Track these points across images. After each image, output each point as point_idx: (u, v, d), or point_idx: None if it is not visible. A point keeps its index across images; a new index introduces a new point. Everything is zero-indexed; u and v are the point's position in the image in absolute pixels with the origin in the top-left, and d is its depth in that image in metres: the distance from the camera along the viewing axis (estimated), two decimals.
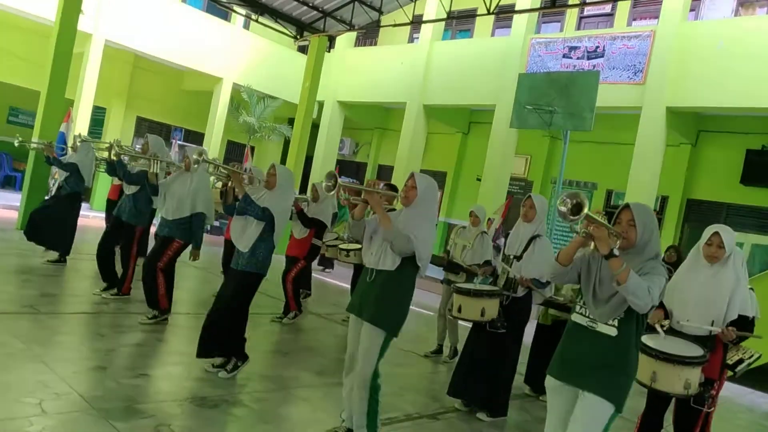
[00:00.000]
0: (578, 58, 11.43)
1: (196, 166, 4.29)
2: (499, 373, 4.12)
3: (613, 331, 2.54)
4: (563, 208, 2.42)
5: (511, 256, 4.22)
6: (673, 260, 6.58)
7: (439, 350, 5.95)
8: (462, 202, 14.92)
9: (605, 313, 2.55)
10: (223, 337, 4.08)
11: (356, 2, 12.16)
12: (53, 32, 9.31)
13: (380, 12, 12.16)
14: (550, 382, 2.72)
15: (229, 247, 6.99)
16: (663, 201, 11.46)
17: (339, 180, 3.24)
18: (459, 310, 3.98)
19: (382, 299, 3.28)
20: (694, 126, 11.25)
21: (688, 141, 11.26)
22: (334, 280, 9.34)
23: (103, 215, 10.03)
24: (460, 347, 5.66)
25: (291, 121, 16.49)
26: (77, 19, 9.38)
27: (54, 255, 7.03)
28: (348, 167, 18.13)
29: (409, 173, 3.48)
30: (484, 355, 4.14)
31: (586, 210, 2.35)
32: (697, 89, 9.82)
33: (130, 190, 5.76)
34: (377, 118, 17.25)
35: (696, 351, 3.17)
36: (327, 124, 15.98)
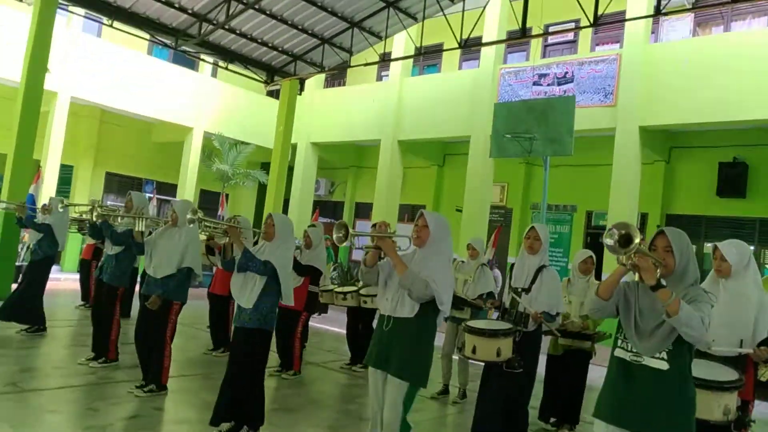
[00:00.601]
0: (548, 85, 11.65)
1: (190, 225, 4.08)
2: (517, 411, 3.94)
3: (663, 365, 2.39)
4: (610, 241, 2.30)
5: (519, 289, 4.09)
6: None
7: (445, 390, 5.72)
8: None
9: (652, 347, 2.40)
10: (239, 404, 3.81)
11: (326, 44, 12.22)
12: (19, 93, 9.05)
13: (350, 52, 12.23)
14: (600, 428, 2.52)
15: (215, 303, 6.72)
16: (643, 218, 11.58)
17: (351, 230, 3.07)
18: (473, 351, 3.80)
19: (404, 350, 3.11)
20: (666, 143, 11.50)
21: (661, 158, 11.49)
22: (327, 326, 9.06)
23: (76, 277, 9.63)
24: (469, 386, 5.49)
25: (264, 166, 16.34)
26: (44, 78, 9.15)
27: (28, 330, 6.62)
28: (325, 207, 17.96)
29: (418, 213, 3.36)
30: (502, 394, 3.96)
31: (637, 240, 2.24)
32: (666, 107, 10.08)
33: (113, 250, 5.47)
34: (351, 156, 17.23)
35: (731, 375, 3.06)
36: (302, 166, 15.88)
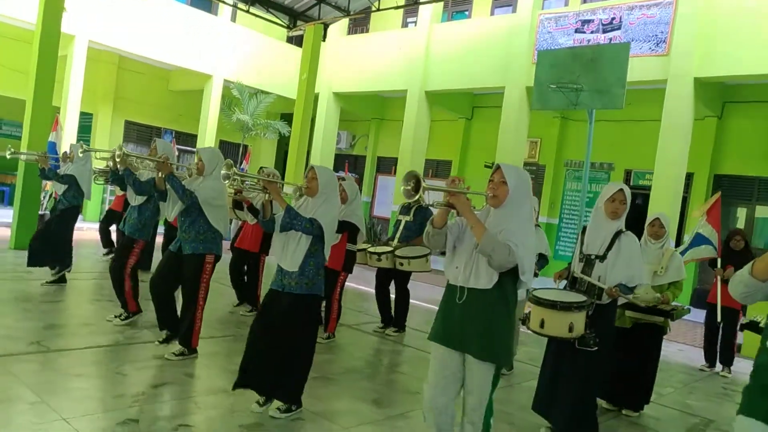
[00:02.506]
0: (592, 32, 10.86)
1: (226, 182, 3.66)
2: (587, 394, 3.53)
3: None
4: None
5: (593, 257, 3.61)
6: (741, 247, 6.03)
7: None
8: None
9: None
10: (282, 380, 3.48)
11: None
12: (35, 35, 8.56)
13: None
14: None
15: (238, 257, 6.39)
16: (689, 178, 10.94)
17: (424, 182, 2.60)
18: (541, 325, 3.37)
19: (483, 327, 2.70)
20: (719, 97, 10.75)
21: (713, 113, 10.75)
22: (353, 284, 8.73)
23: (97, 226, 9.35)
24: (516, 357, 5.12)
25: (284, 117, 15.81)
26: (60, 20, 8.63)
27: (52, 275, 6.38)
28: (346, 161, 17.47)
29: (495, 166, 2.89)
30: (569, 372, 3.53)
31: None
32: (725, 58, 9.30)
33: (136, 200, 5.11)
34: (374, 108, 16.60)
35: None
36: (323, 117, 15.31)
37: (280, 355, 3.46)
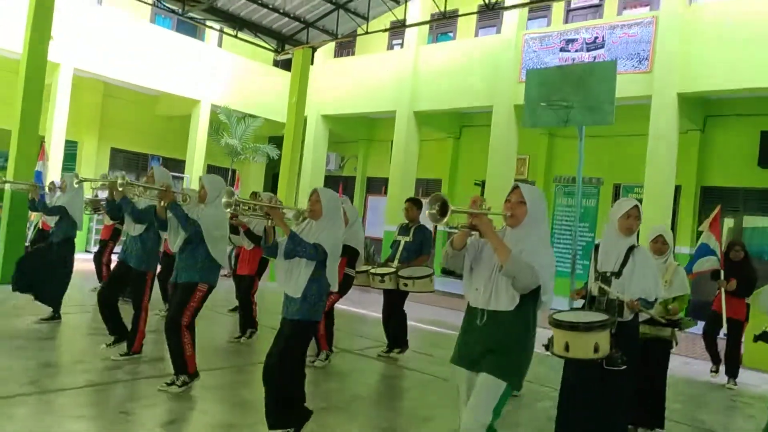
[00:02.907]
0: (577, 51, 11.03)
1: (228, 210, 3.58)
2: (618, 416, 3.46)
3: None
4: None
5: (608, 274, 3.58)
6: (740, 257, 6.08)
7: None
8: None
9: None
10: (280, 402, 3.40)
11: (340, 9, 11.54)
12: (21, 63, 8.45)
13: (366, 19, 11.56)
14: None
15: (243, 284, 6.29)
16: (677, 190, 11.08)
17: (451, 205, 2.53)
18: (566, 349, 3.31)
19: (502, 347, 2.65)
20: (701, 111, 10.95)
21: (696, 127, 10.94)
22: (350, 307, 8.64)
23: (86, 257, 9.18)
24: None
25: (272, 140, 15.77)
26: (47, 48, 8.54)
27: (45, 311, 6.20)
28: (335, 182, 17.44)
29: (513, 185, 2.86)
30: (597, 396, 3.42)
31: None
32: (706, 73, 9.49)
33: (135, 230, 4.98)
34: (362, 129, 16.64)
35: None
36: (312, 140, 15.29)
37: (277, 380, 3.38)
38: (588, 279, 3.74)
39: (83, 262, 10.26)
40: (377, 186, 16.67)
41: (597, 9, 12.88)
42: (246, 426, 3.74)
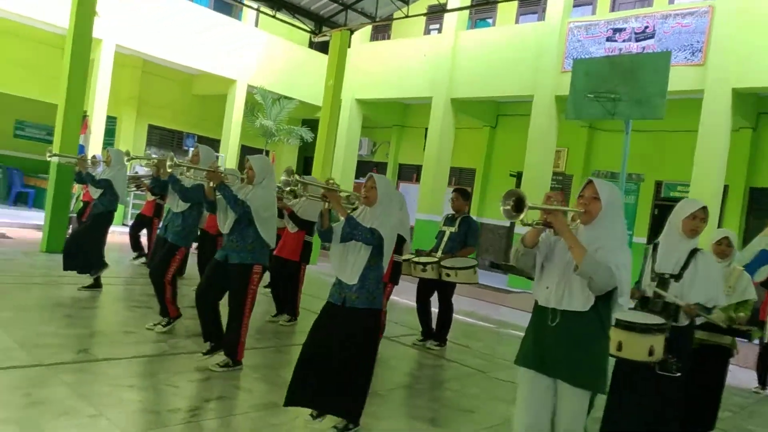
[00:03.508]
0: (624, 41, 10.72)
1: (287, 189, 3.51)
2: (664, 422, 3.34)
3: None
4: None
5: (667, 276, 3.44)
6: None
7: None
8: (495, 200, 14.16)
9: None
10: (342, 397, 3.35)
11: None
12: (67, 39, 8.53)
13: (406, 2, 11.40)
14: None
15: (277, 266, 6.28)
16: (724, 190, 10.75)
17: (528, 202, 2.41)
18: (618, 348, 3.20)
19: (577, 350, 2.55)
20: (754, 108, 10.56)
21: (749, 125, 10.56)
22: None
23: (126, 230, 9.30)
24: None
25: (306, 122, 15.76)
26: (92, 24, 8.60)
27: (87, 280, 6.30)
28: (366, 168, 17.39)
29: (586, 181, 2.73)
30: (646, 399, 3.30)
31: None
32: (764, 68, 9.11)
33: (179, 207, 5.00)
34: (395, 115, 16.52)
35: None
36: (346, 124, 15.22)
37: (340, 371, 3.33)
38: (641, 279, 3.60)
39: (120, 235, 10.44)
40: (409, 173, 16.57)
41: None
42: (291, 408, 3.72)
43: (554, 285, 2.62)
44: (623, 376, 3.45)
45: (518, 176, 13.90)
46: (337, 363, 3.30)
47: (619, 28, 10.82)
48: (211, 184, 4.23)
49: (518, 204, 2.41)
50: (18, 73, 12.35)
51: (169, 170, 4.52)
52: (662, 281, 3.43)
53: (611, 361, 3.53)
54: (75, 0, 8.48)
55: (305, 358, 3.40)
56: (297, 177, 3.55)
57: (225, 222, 4.24)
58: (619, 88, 8.18)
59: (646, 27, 10.49)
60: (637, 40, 10.56)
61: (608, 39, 10.95)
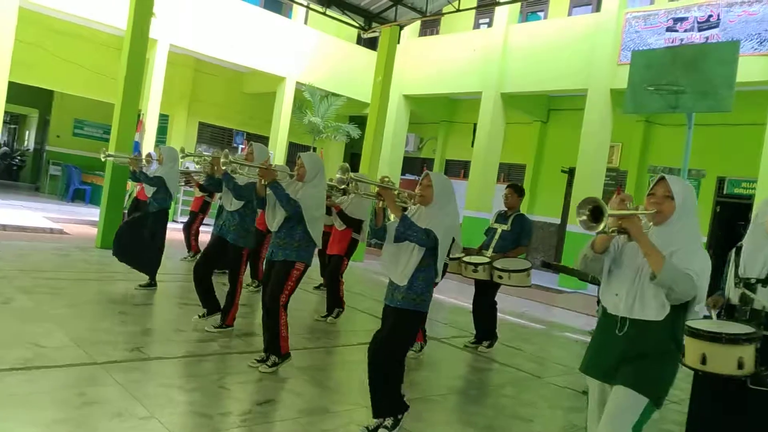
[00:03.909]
0: (686, 31, 10.18)
1: (344, 186, 3.41)
2: None
3: None
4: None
5: (753, 281, 3.17)
6: None
7: None
8: (546, 197, 13.83)
9: None
10: (379, 392, 3.28)
11: None
12: (125, 40, 8.73)
13: None
14: None
15: (328, 262, 6.25)
16: None
17: (609, 209, 2.19)
18: (702, 361, 2.95)
19: (645, 358, 2.35)
20: None
21: None
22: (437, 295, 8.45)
23: (178, 227, 9.49)
24: None
25: (352, 119, 15.74)
26: (149, 25, 8.78)
27: (141, 278, 6.41)
28: (413, 164, 17.26)
29: (657, 177, 2.52)
30: (736, 417, 3.03)
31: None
32: None
33: (233, 206, 5.00)
34: (443, 110, 16.31)
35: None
36: (393, 120, 15.08)
37: (378, 370, 3.25)
38: (725, 285, 3.33)
39: (172, 232, 10.67)
40: (456, 169, 16.33)
41: None
42: (341, 412, 3.65)
43: (624, 292, 2.42)
44: (707, 391, 3.18)
45: (569, 172, 13.48)
46: (378, 359, 3.23)
47: (681, 18, 10.29)
48: (263, 181, 4.18)
49: (595, 213, 2.22)
50: (77, 73, 12.81)
51: (223, 168, 4.51)
52: (747, 286, 3.15)
53: (685, 373, 3.29)
54: (133, 2, 8.67)
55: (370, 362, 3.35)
56: (352, 175, 3.43)
57: (274, 220, 4.18)
58: (682, 80, 7.73)
59: (710, 16, 9.93)
60: (700, 30, 10.01)
61: (668, 29, 10.42)
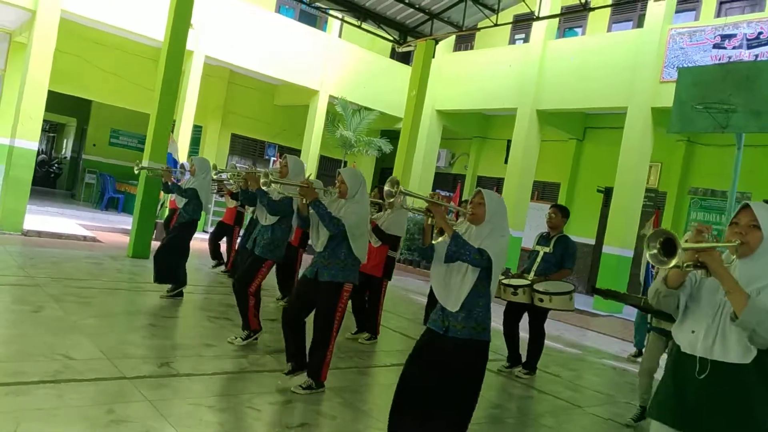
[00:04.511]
0: (735, 48, 9.82)
1: (392, 200, 3.23)
2: None
3: None
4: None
5: None
6: None
7: (642, 414, 4.68)
8: (581, 216, 13.46)
9: None
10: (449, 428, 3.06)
11: (469, 0, 11.08)
12: (162, 52, 8.80)
13: (495, 10, 11.02)
14: None
15: (365, 283, 6.05)
16: None
17: (681, 244, 1.97)
18: None
19: (734, 412, 2.09)
20: None
21: None
22: None
23: (206, 237, 9.43)
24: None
25: (384, 133, 15.65)
26: (186, 37, 8.83)
27: (167, 291, 6.32)
28: (444, 180, 17.07)
29: (741, 204, 2.27)
30: None
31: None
32: None
33: (267, 220, 4.88)
34: (475, 126, 16.10)
35: None
36: (425, 135, 14.92)
37: (439, 403, 3.02)
38: None
39: (200, 242, 10.66)
40: (488, 186, 15.99)
41: (757, 1, 11.46)
42: None
43: (702, 330, 2.17)
44: None
45: (605, 192, 13.12)
46: (437, 398, 3.00)
47: (729, 35, 9.94)
48: (305, 201, 4.03)
49: (668, 246, 2.01)
50: (114, 83, 13.00)
51: (264, 188, 4.39)
52: None
53: None
54: (172, 13, 8.74)
55: (402, 389, 3.12)
56: (402, 188, 3.23)
57: (318, 239, 4.03)
58: (734, 98, 7.42)
59: (760, 33, 9.57)
60: (749, 47, 9.65)
61: (715, 46, 10.08)
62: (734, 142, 10.12)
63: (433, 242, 3.16)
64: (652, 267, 6.94)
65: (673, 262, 1.99)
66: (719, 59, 9.86)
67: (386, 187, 3.16)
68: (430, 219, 3.13)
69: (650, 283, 7.29)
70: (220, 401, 3.70)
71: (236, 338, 4.94)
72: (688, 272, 2.19)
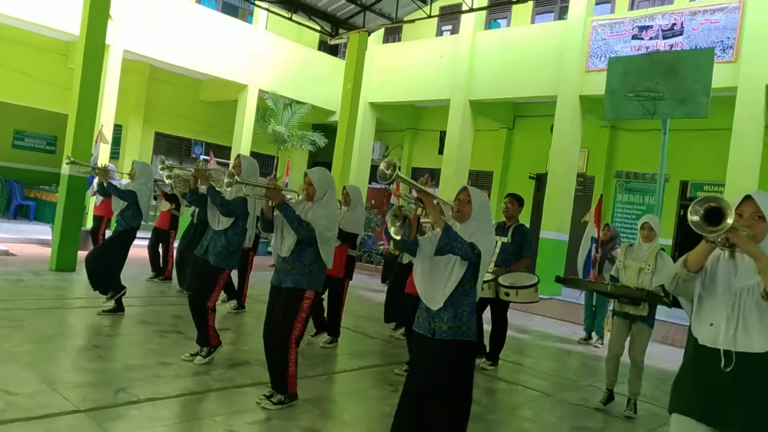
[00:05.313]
0: (651, 38, 10.35)
1: (387, 182, 2.98)
2: None
3: None
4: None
5: None
6: None
7: (610, 397, 4.83)
8: None
9: None
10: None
11: None
12: (78, 45, 8.08)
13: (426, 2, 11.01)
14: None
15: (332, 287, 5.82)
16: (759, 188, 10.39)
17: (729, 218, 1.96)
18: None
19: (760, 403, 2.10)
20: None
21: None
22: None
23: (145, 244, 8.83)
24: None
25: (315, 127, 15.35)
26: (105, 30, 8.16)
27: (107, 304, 5.83)
28: (426, 173, 16.98)
29: (743, 196, 2.24)
30: None
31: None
32: None
33: (220, 225, 4.55)
34: (408, 118, 16.14)
35: None
36: (359, 128, 14.75)
37: (440, 414, 2.92)
38: None
39: (135, 249, 9.98)
40: (422, 176, 16.15)
41: None
42: None
43: (722, 321, 2.16)
44: None
45: (537, 178, 13.55)
46: (437, 405, 2.89)
47: (646, 26, 10.46)
48: (270, 203, 3.76)
49: (711, 215, 1.96)
50: (18, 81, 11.86)
51: (227, 188, 4.08)
52: None
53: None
54: (87, 5, 8.03)
55: (404, 404, 3.00)
56: (399, 173, 3.01)
57: (284, 245, 3.78)
58: (660, 86, 7.82)
59: (674, 24, 10.14)
60: (664, 38, 10.20)
61: (634, 37, 10.59)
62: (654, 127, 10.77)
63: (418, 237, 3.03)
64: (596, 251, 7.18)
65: (718, 230, 1.95)
66: (638, 49, 10.36)
67: (381, 167, 2.95)
68: (420, 209, 2.99)
69: (589, 267, 7.57)
70: (194, 426, 3.41)
71: (195, 356, 4.60)
72: (710, 251, 2.16)
